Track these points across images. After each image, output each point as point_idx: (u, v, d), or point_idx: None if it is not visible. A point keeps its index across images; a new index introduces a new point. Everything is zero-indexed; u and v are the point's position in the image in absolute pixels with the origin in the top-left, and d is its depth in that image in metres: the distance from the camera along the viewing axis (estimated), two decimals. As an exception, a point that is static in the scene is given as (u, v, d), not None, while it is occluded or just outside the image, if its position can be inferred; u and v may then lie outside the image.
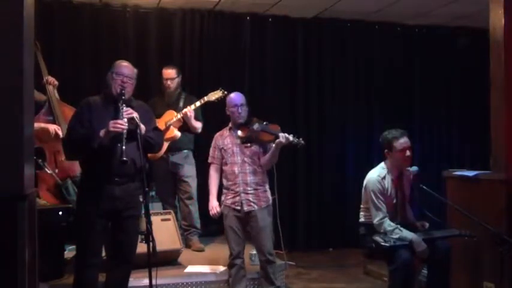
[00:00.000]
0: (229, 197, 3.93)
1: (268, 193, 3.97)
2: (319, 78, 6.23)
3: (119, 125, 3.18)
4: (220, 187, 4.05)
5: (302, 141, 3.72)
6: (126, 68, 3.46)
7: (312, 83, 6.20)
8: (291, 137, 3.68)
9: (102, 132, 3.24)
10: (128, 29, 5.65)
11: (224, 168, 3.97)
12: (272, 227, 4.00)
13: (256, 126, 3.82)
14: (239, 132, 3.88)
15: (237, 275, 3.95)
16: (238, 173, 3.88)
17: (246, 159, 3.89)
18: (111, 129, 3.19)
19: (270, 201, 3.96)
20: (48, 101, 4.60)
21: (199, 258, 4.73)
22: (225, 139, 4.00)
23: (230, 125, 4.03)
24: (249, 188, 3.87)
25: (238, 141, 3.89)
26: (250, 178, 3.87)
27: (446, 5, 5.58)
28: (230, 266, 3.98)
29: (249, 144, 3.87)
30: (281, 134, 3.69)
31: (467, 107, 6.51)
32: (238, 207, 3.88)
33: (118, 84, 3.37)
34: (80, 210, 3.39)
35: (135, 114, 3.28)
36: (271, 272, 3.90)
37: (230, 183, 3.93)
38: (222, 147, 3.98)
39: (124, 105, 3.29)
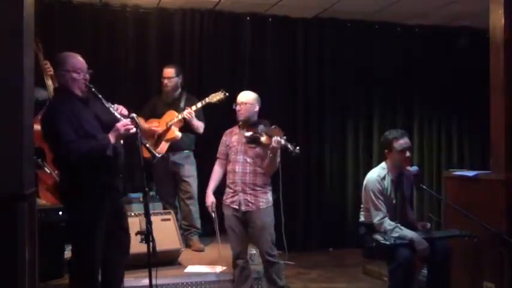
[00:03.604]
0: (229, 196, 3.93)
1: (269, 194, 3.94)
2: (319, 78, 6.22)
3: (129, 126, 3.08)
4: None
5: (297, 151, 3.61)
6: (81, 61, 3.26)
7: (312, 83, 6.19)
8: (282, 141, 3.60)
9: (112, 139, 3.08)
10: (127, 29, 5.64)
11: (227, 165, 3.98)
12: (273, 228, 3.95)
13: (260, 128, 3.81)
14: (246, 132, 3.88)
15: (241, 276, 3.95)
16: (238, 172, 3.88)
17: (248, 159, 3.87)
18: (123, 131, 3.08)
19: (270, 203, 3.93)
20: (49, 99, 4.56)
21: (199, 258, 4.73)
22: (233, 137, 4.00)
23: (240, 122, 4.02)
24: (247, 188, 3.85)
25: (244, 140, 3.88)
26: (249, 178, 3.86)
27: (446, 5, 5.57)
28: (233, 266, 4.00)
29: (253, 145, 3.85)
30: (274, 138, 3.62)
31: (467, 107, 6.49)
32: (237, 207, 3.87)
33: (82, 83, 3.20)
34: (93, 209, 3.13)
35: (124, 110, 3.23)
36: (274, 272, 3.88)
37: (230, 181, 3.93)
38: (228, 144, 4.00)
39: (109, 102, 3.19)
